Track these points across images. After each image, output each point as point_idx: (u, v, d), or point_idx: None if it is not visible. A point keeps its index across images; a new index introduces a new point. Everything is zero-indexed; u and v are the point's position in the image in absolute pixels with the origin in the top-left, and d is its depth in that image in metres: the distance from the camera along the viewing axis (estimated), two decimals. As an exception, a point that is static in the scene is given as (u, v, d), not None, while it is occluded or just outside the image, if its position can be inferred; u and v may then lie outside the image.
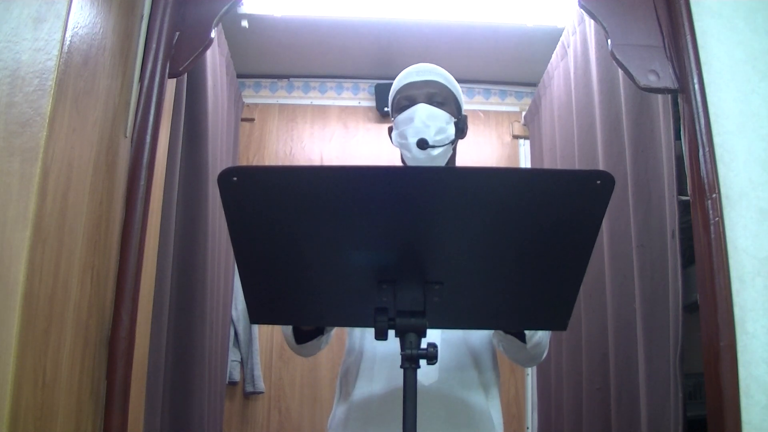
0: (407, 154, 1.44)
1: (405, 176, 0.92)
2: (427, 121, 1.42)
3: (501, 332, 1.33)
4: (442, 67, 1.53)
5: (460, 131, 1.47)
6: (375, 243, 0.93)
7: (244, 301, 1.02)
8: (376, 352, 1.38)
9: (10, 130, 0.98)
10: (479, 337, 1.43)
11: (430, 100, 1.44)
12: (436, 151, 1.41)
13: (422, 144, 1.39)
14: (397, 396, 1.31)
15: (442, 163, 1.44)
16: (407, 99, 1.46)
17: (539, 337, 1.31)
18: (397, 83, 1.52)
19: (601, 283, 1.95)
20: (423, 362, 0.94)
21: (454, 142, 1.46)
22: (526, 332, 1.29)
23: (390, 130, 1.52)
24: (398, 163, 1.50)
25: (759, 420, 1.24)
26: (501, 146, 3.13)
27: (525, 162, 3.08)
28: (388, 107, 1.57)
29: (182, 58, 1.48)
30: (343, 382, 1.46)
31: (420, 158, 1.41)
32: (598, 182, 0.86)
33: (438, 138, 1.41)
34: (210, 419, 2.17)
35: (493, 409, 1.41)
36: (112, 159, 1.28)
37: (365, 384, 1.38)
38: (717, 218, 1.34)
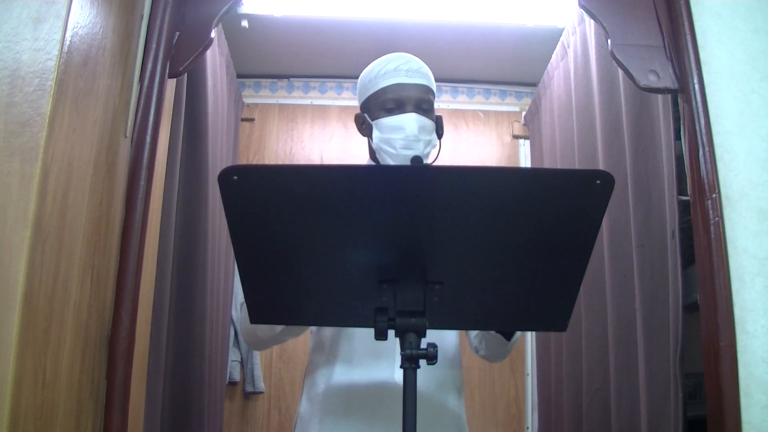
0: (389, 160, 1.44)
1: (405, 176, 0.91)
2: (419, 134, 1.41)
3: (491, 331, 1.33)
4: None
5: (439, 133, 1.48)
6: (375, 243, 0.93)
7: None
8: (354, 349, 1.37)
9: (10, 130, 0.98)
10: (452, 337, 1.44)
11: (419, 107, 1.43)
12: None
13: (417, 161, 1.38)
14: (378, 392, 1.31)
15: None
16: (395, 102, 1.44)
17: (519, 334, 1.36)
18: (379, 77, 1.47)
19: (601, 283, 1.95)
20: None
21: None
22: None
23: (359, 118, 1.51)
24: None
25: (759, 420, 1.24)
26: (501, 146, 3.13)
27: (525, 162, 3.08)
28: (360, 94, 1.52)
29: (182, 58, 1.48)
30: (311, 381, 1.43)
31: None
32: (598, 182, 0.86)
33: (427, 151, 1.45)
34: (210, 419, 2.17)
35: (461, 409, 1.43)
36: (112, 159, 1.28)
37: (344, 375, 1.37)
38: (717, 218, 1.34)
